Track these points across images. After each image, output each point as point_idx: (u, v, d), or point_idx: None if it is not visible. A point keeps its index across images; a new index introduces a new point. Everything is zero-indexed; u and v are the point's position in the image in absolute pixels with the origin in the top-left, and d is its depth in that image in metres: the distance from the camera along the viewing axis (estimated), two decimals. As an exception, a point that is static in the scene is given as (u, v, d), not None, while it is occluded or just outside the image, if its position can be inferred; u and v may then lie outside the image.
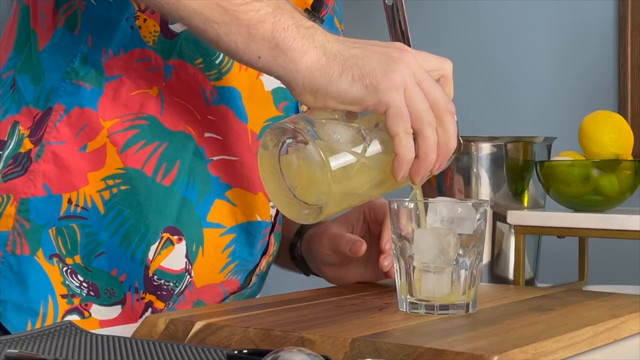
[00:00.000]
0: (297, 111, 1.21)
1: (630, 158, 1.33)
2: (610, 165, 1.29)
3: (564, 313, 0.97)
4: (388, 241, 1.14)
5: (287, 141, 0.92)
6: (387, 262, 1.14)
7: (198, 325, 0.89)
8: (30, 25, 1.15)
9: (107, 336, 0.88)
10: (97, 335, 0.89)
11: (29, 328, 1.08)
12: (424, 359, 0.77)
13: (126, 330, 0.97)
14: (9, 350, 0.79)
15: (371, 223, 1.22)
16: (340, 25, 1.30)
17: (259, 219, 1.18)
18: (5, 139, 1.13)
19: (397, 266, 0.98)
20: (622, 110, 1.81)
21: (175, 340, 0.89)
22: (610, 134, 1.31)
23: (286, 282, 1.40)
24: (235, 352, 0.77)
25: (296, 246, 1.28)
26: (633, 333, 0.95)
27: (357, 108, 0.92)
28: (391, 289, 1.11)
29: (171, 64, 1.11)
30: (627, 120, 1.57)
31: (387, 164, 0.93)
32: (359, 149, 0.92)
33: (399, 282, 0.98)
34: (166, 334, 0.91)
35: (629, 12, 1.81)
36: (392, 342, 0.80)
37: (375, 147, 0.93)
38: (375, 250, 1.17)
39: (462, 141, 0.98)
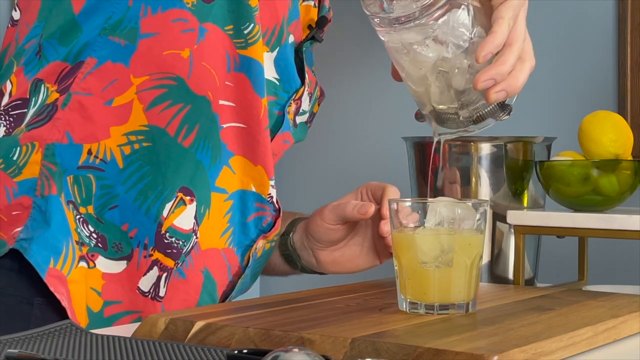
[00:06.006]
0: (282, 109, 1.23)
1: (630, 158, 1.33)
2: (610, 165, 1.29)
3: (564, 313, 0.97)
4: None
5: None
6: (388, 227, 1.15)
7: (198, 325, 0.89)
8: None
9: (107, 336, 0.88)
10: (97, 335, 0.89)
11: (51, 266, 1.09)
12: (423, 359, 0.78)
13: (126, 330, 0.97)
14: (9, 350, 0.79)
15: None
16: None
17: (253, 189, 1.20)
18: (28, 97, 1.15)
19: (397, 266, 0.98)
20: (621, 110, 1.80)
21: (175, 340, 0.89)
22: (610, 134, 1.31)
23: (286, 282, 1.40)
24: (235, 352, 0.78)
25: (289, 237, 1.29)
26: (633, 333, 0.95)
27: None
28: (391, 289, 1.11)
29: (205, 27, 1.13)
30: (627, 120, 1.57)
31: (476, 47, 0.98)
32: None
33: (399, 282, 0.98)
34: (166, 333, 0.91)
35: (629, 12, 1.80)
36: (392, 342, 0.80)
37: (476, 27, 1.00)
38: (371, 232, 1.21)
39: (513, 108, 1.05)
